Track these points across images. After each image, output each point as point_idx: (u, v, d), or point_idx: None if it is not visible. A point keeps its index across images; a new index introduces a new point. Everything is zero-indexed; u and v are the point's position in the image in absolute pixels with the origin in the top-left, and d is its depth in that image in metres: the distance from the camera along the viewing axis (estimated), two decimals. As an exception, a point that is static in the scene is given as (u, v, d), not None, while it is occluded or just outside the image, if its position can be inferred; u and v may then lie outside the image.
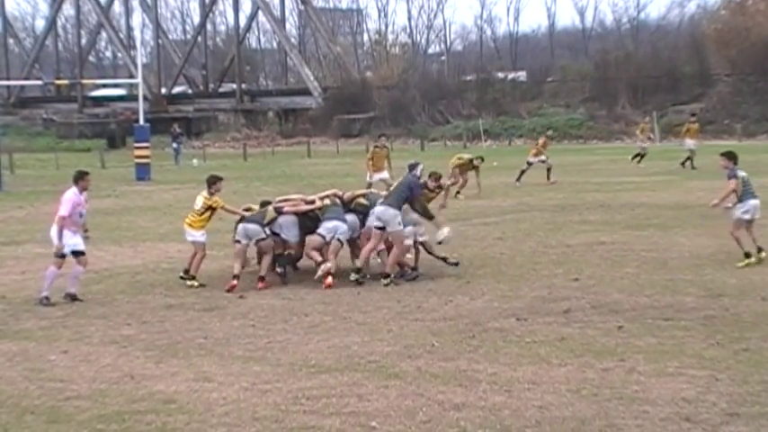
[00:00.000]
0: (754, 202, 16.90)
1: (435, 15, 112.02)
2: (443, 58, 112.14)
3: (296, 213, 16.59)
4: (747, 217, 16.87)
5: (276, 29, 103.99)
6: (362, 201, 16.89)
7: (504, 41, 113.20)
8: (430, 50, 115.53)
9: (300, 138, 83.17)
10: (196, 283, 16.20)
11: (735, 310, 12.96)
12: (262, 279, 15.92)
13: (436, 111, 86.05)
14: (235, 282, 15.71)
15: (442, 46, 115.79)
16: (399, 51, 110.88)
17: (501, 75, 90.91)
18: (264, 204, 17.10)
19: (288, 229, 16.52)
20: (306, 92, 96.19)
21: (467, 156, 31.83)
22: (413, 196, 16.34)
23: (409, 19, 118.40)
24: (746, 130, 66.96)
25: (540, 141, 37.01)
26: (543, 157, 34.81)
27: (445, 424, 8.62)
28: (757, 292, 14.03)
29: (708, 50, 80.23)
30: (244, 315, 13.76)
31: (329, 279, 15.74)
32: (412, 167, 17.31)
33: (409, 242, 16.47)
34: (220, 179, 16.86)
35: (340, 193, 17.09)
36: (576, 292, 14.54)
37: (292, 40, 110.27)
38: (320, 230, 16.24)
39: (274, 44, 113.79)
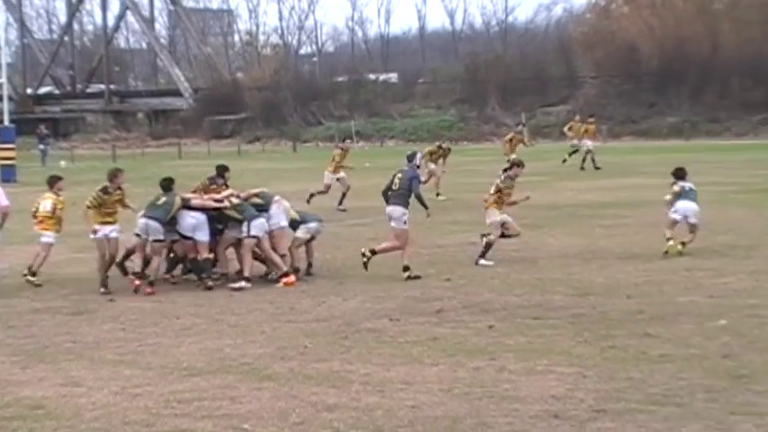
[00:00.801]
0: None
1: (307, 17, 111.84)
2: (315, 59, 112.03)
3: (203, 209, 16.22)
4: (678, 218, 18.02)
5: (145, 29, 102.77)
6: (257, 200, 16.79)
7: (376, 43, 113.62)
8: (302, 51, 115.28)
9: (171, 139, 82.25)
10: (35, 281, 16.16)
11: (602, 308, 13.23)
12: (151, 284, 15.53)
13: (308, 112, 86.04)
14: (137, 282, 15.52)
15: (314, 47, 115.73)
16: (271, 52, 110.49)
17: (372, 76, 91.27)
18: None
19: (200, 229, 16.13)
20: (176, 93, 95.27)
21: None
22: (414, 184, 16.77)
23: (280, 20, 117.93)
24: (612, 132, 68.41)
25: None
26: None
27: (318, 425, 8.61)
28: (623, 291, 14.35)
29: (574, 53, 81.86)
30: (114, 318, 13.56)
31: (292, 278, 15.85)
32: (411, 158, 17.71)
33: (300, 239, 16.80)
34: (60, 178, 17.08)
35: (236, 193, 16.93)
36: (447, 292, 14.68)
37: (162, 40, 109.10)
38: (253, 231, 16.10)
39: (144, 44, 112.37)
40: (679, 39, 72.37)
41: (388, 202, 16.75)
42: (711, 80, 69.15)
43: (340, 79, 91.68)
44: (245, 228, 16.02)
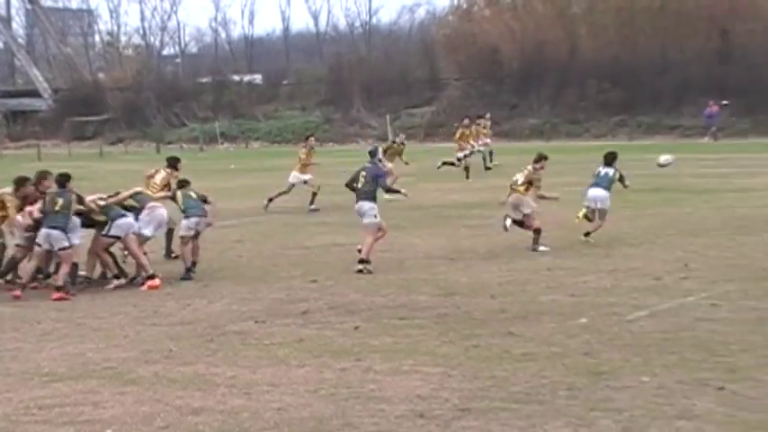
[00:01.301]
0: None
1: (169, 17, 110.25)
2: (178, 60, 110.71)
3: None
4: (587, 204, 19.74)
5: (1, 28, 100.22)
6: (131, 201, 16.53)
7: (240, 44, 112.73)
8: (164, 52, 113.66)
9: (30, 140, 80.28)
10: None
11: (466, 308, 13.38)
12: (58, 289, 14.97)
13: (172, 113, 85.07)
14: (17, 292, 15.08)
15: (177, 48, 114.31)
16: (133, 53, 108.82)
17: (237, 77, 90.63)
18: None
19: (75, 232, 15.68)
20: (35, 93, 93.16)
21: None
22: (380, 181, 17.67)
23: (142, 20, 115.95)
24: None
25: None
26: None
27: (183, 429, 8.53)
28: (487, 291, 14.54)
29: (437, 55, 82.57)
30: (-29, 325, 13.21)
31: (157, 281, 15.66)
32: (373, 154, 18.53)
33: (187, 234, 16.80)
34: None
35: (104, 196, 16.60)
36: (314, 294, 14.68)
37: (20, 39, 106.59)
38: (113, 231, 15.86)
39: (0, 44, 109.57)
40: (539, 42, 73.65)
41: (358, 198, 17.38)
42: (570, 82, 70.54)
43: (204, 80, 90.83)
44: (107, 228, 15.79)
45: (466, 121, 40.23)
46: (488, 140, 41.68)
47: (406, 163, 32.27)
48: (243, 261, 18.12)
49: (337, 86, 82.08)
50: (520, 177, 19.32)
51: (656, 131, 64.70)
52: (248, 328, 12.45)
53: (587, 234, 19.34)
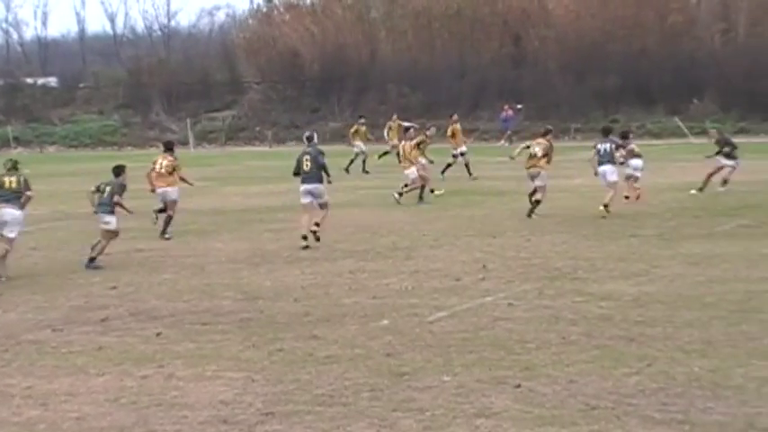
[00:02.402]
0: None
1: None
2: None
3: None
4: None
5: None
6: None
7: (33, 46, 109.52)
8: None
9: None
10: None
11: (269, 312, 13.36)
12: None
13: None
14: None
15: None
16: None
17: (30, 80, 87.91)
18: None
19: None
20: None
21: None
22: (320, 159, 19.72)
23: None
24: (277, 137, 69.17)
25: None
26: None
27: (-22, 444, 8.25)
28: (290, 294, 14.55)
29: (238, 59, 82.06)
30: None
31: None
32: (310, 138, 20.45)
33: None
34: None
35: None
36: (114, 300, 14.41)
37: None
38: None
39: None
40: (339, 46, 74.08)
41: (303, 182, 19.65)
42: (371, 86, 71.12)
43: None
44: None
45: (395, 116, 40.74)
46: (392, 142, 41.60)
47: (431, 161, 30.38)
48: (39, 268, 17.64)
49: (136, 90, 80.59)
50: (539, 150, 22.88)
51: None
52: (45, 337, 12.13)
53: (605, 206, 22.38)
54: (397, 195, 26.69)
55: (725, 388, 9.13)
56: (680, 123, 58.24)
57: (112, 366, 10.61)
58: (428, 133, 29.91)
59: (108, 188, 18.27)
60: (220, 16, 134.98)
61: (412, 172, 27.26)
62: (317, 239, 19.40)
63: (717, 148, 27.82)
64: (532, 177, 22.95)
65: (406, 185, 27.18)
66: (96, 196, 18.30)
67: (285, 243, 20.02)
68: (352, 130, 41.09)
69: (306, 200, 19.72)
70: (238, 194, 31.04)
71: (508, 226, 21.51)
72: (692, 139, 53.76)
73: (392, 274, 16.09)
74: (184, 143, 62.05)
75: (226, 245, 20.06)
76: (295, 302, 13.97)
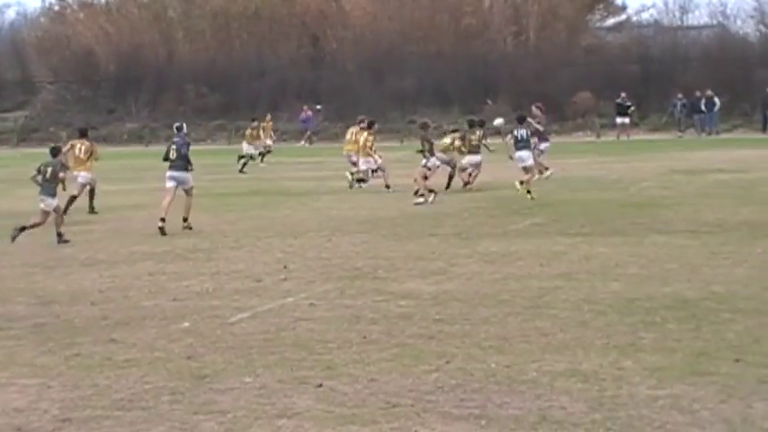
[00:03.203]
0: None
1: None
2: None
3: None
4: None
5: None
6: None
7: None
8: None
9: None
10: None
11: (66, 316, 13.04)
12: None
13: None
14: None
15: None
16: None
17: None
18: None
19: None
20: None
21: None
22: (184, 150, 21.60)
23: None
24: (72, 138, 67.36)
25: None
26: None
27: None
28: (87, 298, 14.23)
29: (30, 58, 79.79)
30: None
31: None
32: (179, 129, 22.39)
33: None
34: None
35: None
36: None
37: None
38: None
39: None
40: (136, 45, 72.94)
41: (170, 168, 21.40)
42: (169, 87, 70.27)
43: None
44: None
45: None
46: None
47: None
48: None
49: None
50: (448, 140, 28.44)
51: (255, 136, 65.67)
52: None
53: (529, 192, 24.89)
54: (350, 176, 29.92)
55: (520, 383, 9.38)
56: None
57: None
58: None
59: (49, 168, 20.13)
60: (10, 14, 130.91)
61: (368, 162, 29.58)
62: (190, 228, 21.22)
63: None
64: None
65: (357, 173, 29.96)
66: (39, 178, 20.25)
67: (82, 246, 19.59)
68: (248, 132, 42.16)
69: (170, 184, 21.35)
70: (33, 197, 30.14)
71: (309, 226, 21.58)
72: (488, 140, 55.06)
73: (192, 275, 15.93)
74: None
75: (19, 248, 19.48)
76: (92, 306, 13.68)
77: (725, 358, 9.90)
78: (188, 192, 21.56)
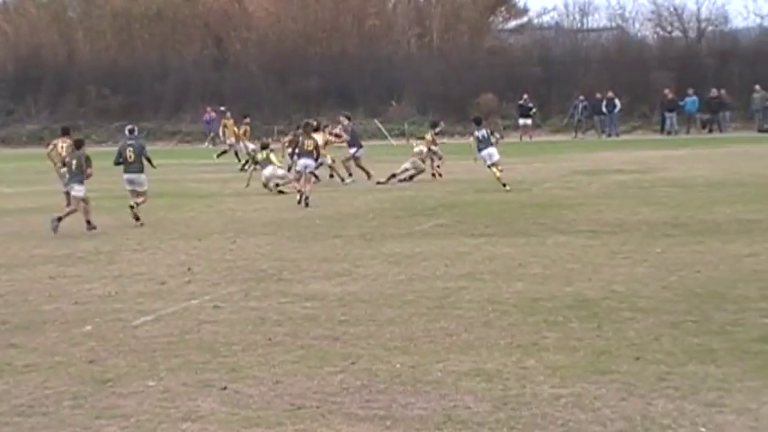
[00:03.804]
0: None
1: None
2: None
3: None
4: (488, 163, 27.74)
5: None
6: None
7: None
8: None
9: None
10: None
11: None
12: None
13: None
14: None
15: None
16: None
17: None
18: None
19: None
20: None
21: None
22: (144, 152, 22.85)
23: None
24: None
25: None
26: None
27: None
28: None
29: None
30: None
31: None
32: (132, 131, 23.57)
33: None
34: None
35: None
36: None
37: None
38: None
39: None
40: (35, 46, 71.76)
41: (126, 171, 22.48)
42: (69, 88, 69.19)
43: None
44: None
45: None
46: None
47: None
48: None
49: None
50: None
51: (158, 137, 64.98)
52: None
53: (504, 185, 26.70)
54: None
55: (425, 383, 9.42)
56: (379, 125, 59.65)
57: None
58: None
59: (74, 161, 21.47)
60: None
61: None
62: (137, 218, 22.08)
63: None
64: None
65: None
66: (65, 171, 22.04)
67: (-21, 250, 19.22)
68: (242, 131, 42.08)
69: (129, 186, 22.64)
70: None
71: (213, 228, 21.44)
72: (393, 141, 55.25)
73: (95, 278, 15.73)
74: None
75: None
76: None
77: (625, 356, 10.07)
78: (140, 194, 22.50)
